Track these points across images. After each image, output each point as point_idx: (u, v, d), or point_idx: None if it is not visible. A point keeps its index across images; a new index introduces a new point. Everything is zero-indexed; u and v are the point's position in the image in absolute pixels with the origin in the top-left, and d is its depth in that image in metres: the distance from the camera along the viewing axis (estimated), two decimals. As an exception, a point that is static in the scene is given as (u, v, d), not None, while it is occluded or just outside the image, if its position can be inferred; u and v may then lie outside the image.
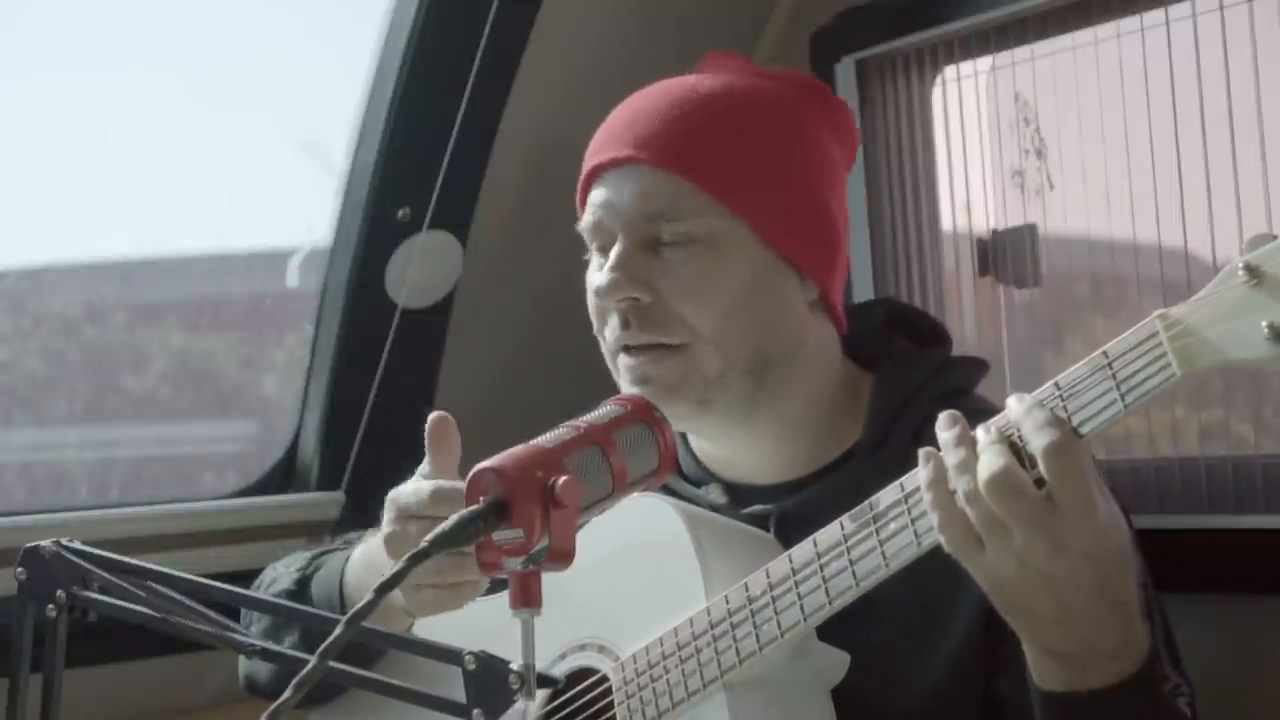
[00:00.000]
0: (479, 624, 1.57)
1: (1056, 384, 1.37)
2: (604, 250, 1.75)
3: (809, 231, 1.75)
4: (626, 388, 1.73)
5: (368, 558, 1.73)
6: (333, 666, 1.17)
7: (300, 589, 1.80)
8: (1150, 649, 1.45)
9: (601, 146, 1.78)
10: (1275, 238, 1.26)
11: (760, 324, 1.72)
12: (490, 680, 1.21)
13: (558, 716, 1.68)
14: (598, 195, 1.76)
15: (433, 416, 1.61)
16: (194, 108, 2.55)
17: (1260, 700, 2.01)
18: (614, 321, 1.73)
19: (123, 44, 2.54)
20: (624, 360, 1.73)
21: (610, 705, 1.63)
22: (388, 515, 1.58)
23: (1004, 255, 2.40)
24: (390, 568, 1.17)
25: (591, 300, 1.77)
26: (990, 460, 1.36)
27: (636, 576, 1.65)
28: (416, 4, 2.43)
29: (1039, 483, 1.36)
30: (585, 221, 1.77)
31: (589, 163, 1.78)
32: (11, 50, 2.47)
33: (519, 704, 1.21)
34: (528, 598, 1.21)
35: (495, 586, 1.63)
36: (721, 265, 1.70)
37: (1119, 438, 2.26)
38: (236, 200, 2.67)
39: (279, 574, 1.86)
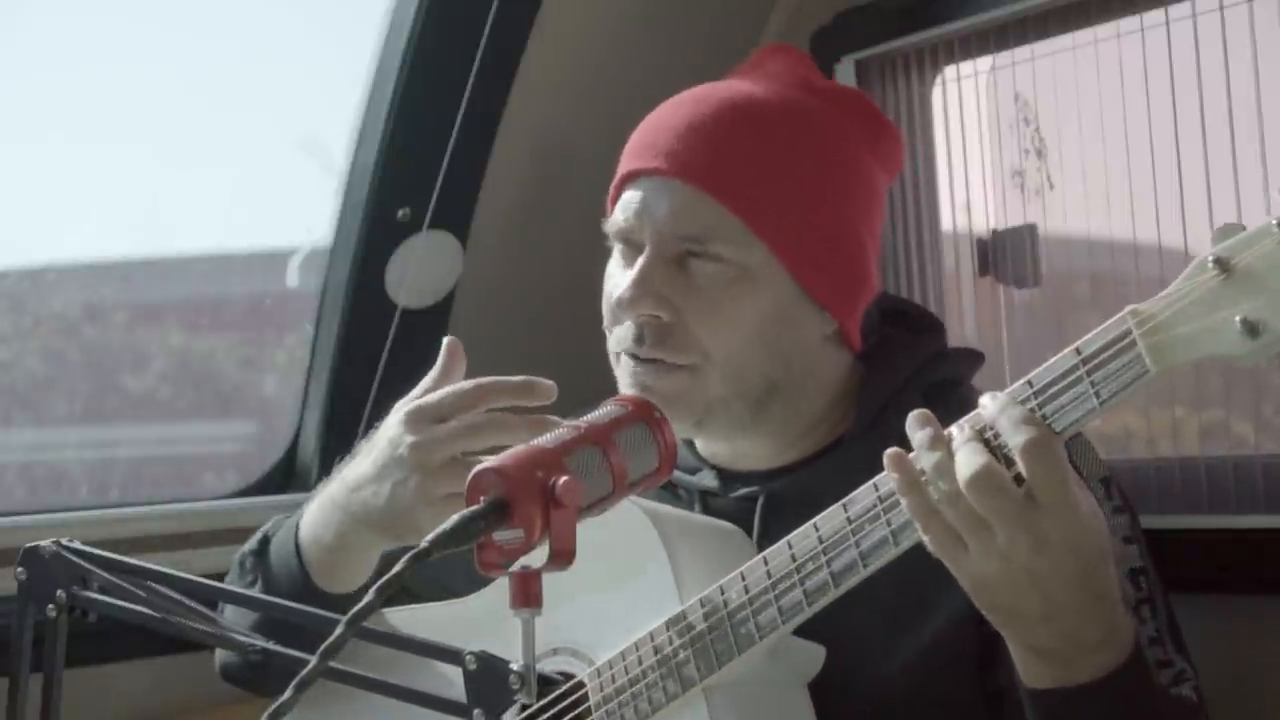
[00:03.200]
0: (465, 625, 1.57)
1: (1029, 382, 1.36)
2: (629, 249, 1.74)
3: (840, 269, 1.73)
4: (625, 389, 1.72)
5: (322, 501, 1.71)
6: (333, 667, 1.17)
7: (261, 548, 1.79)
8: (1136, 639, 1.45)
9: (641, 151, 1.75)
10: (1244, 228, 1.24)
11: (774, 355, 1.71)
12: (490, 680, 1.21)
13: (532, 725, 1.67)
14: (631, 200, 1.74)
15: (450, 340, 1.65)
16: (194, 108, 2.56)
17: (1261, 700, 2.01)
18: (627, 327, 1.72)
19: (123, 44, 2.54)
20: (627, 364, 1.73)
21: (587, 711, 1.62)
22: (405, 425, 1.60)
23: (1004, 255, 2.40)
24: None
25: (607, 299, 1.76)
26: (969, 459, 1.36)
27: (608, 579, 1.63)
28: (416, 4, 2.42)
29: (1017, 480, 1.35)
30: (614, 222, 1.75)
31: (626, 164, 1.76)
32: (11, 50, 2.47)
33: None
34: (528, 598, 1.21)
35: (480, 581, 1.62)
36: (747, 295, 1.69)
37: (1119, 437, 2.26)
38: (236, 200, 2.67)
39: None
